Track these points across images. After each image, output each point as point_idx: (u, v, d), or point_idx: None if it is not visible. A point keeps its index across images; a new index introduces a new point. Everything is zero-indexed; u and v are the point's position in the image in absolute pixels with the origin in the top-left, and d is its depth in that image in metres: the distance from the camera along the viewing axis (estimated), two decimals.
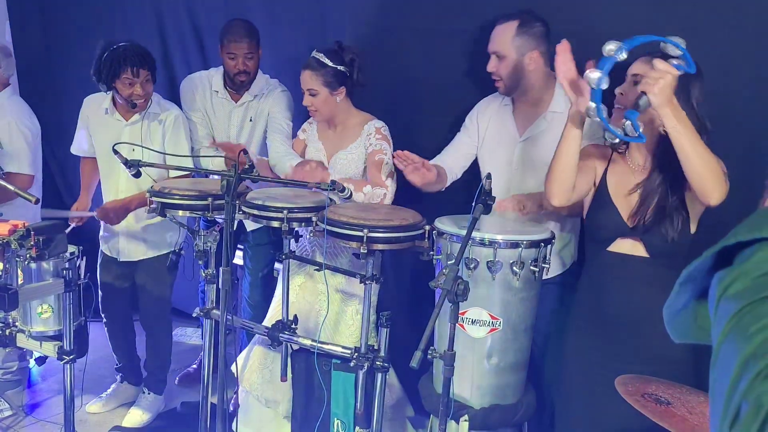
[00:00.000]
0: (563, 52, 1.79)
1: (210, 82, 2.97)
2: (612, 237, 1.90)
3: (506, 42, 2.19)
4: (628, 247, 1.89)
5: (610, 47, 1.59)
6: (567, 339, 2.07)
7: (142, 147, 2.59)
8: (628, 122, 1.62)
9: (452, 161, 2.48)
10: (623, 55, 1.59)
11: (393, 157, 2.25)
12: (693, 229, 1.85)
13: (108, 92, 2.76)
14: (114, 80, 2.67)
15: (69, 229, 2.78)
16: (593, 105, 1.64)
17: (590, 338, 1.97)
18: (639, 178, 1.89)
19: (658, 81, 1.56)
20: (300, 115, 2.84)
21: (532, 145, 2.29)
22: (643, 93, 1.60)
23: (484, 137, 2.43)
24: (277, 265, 3.15)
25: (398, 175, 2.42)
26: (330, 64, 2.41)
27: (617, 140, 1.70)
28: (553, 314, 2.29)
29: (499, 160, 2.35)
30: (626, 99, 1.85)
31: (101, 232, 2.98)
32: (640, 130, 1.62)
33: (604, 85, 1.61)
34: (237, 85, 2.90)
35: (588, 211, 2.00)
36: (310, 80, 2.42)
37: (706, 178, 1.63)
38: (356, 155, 2.48)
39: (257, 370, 2.57)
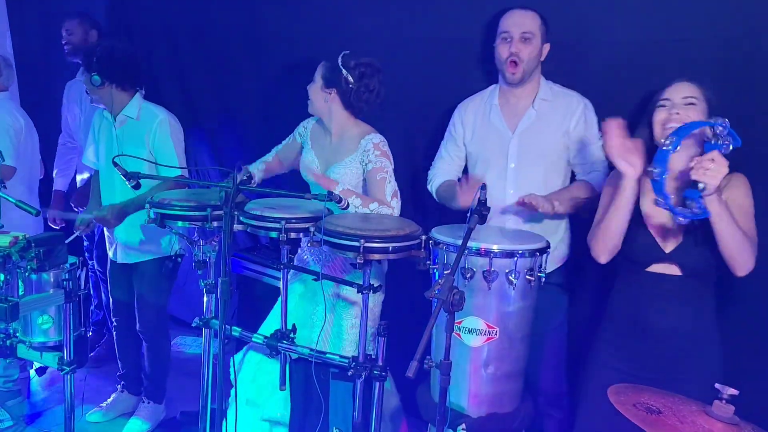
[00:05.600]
0: (611, 129, 1.87)
1: None
2: (648, 262, 1.94)
3: (535, 25, 2.27)
4: (662, 267, 1.93)
5: (666, 142, 1.78)
6: (596, 350, 2.09)
7: (137, 158, 2.59)
8: (694, 202, 1.75)
9: (452, 172, 2.52)
10: (678, 148, 1.76)
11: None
12: None
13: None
14: None
15: (72, 238, 2.81)
16: (660, 197, 1.79)
17: (620, 349, 2.01)
18: None
19: (716, 175, 1.69)
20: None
21: (527, 139, 2.33)
22: (696, 180, 1.72)
23: (472, 141, 2.46)
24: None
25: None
26: (338, 63, 2.37)
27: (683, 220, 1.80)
28: (548, 316, 2.34)
29: (494, 160, 2.38)
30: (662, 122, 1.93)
31: (106, 239, 3.01)
32: (704, 206, 1.75)
33: (665, 176, 1.77)
34: None
35: (624, 236, 2.00)
36: (318, 68, 2.46)
37: (737, 258, 1.80)
38: (351, 169, 2.41)
39: (246, 372, 2.58)
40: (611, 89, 2.31)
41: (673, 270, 1.92)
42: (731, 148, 1.73)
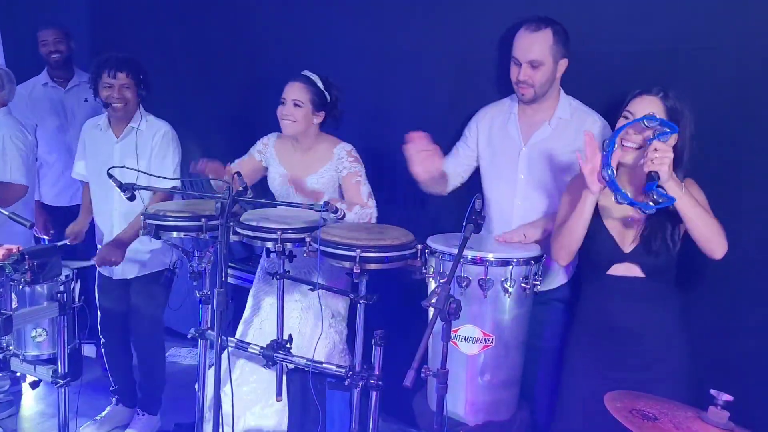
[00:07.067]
0: (593, 142, 1.90)
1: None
2: (609, 263, 1.98)
3: (545, 49, 2.21)
4: (623, 269, 1.97)
5: (603, 145, 1.85)
6: (568, 355, 2.13)
7: (133, 170, 2.59)
8: (653, 192, 1.80)
9: (452, 171, 2.50)
10: (610, 148, 1.83)
11: (405, 143, 2.24)
12: (678, 246, 1.95)
13: (96, 99, 2.85)
14: (98, 85, 2.77)
15: (62, 243, 2.80)
16: (619, 195, 1.83)
17: (592, 353, 2.04)
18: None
19: (664, 161, 1.75)
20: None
21: (537, 151, 2.32)
22: (651, 171, 1.77)
23: (486, 147, 2.45)
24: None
25: (390, 192, 2.46)
26: (320, 86, 2.49)
27: (654, 210, 1.82)
28: (551, 331, 2.35)
29: (504, 170, 2.37)
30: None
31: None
32: (664, 194, 1.79)
33: (614, 175, 1.84)
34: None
35: (584, 240, 2.03)
36: (299, 92, 2.47)
37: (710, 239, 1.83)
38: (327, 178, 2.51)
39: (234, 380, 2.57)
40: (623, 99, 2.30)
41: (634, 271, 1.96)
42: (671, 135, 1.79)
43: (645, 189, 1.82)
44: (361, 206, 2.42)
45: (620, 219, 1.98)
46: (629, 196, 1.84)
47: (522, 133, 2.36)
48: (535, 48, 2.21)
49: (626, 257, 1.95)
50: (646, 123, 1.81)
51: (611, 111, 2.12)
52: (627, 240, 1.96)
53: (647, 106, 1.88)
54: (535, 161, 2.32)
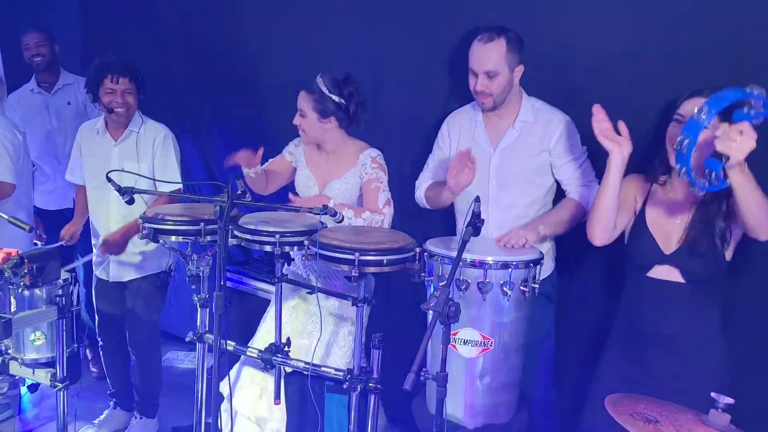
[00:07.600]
0: (599, 113, 1.92)
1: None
2: (649, 264, 1.97)
3: (500, 60, 2.23)
4: (664, 272, 1.95)
5: (699, 115, 1.61)
6: (602, 355, 2.13)
7: (134, 173, 2.60)
8: (714, 173, 1.63)
9: (438, 179, 2.51)
10: (711, 121, 1.61)
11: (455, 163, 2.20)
12: (729, 256, 1.91)
13: (95, 104, 2.86)
14: (98, 89, 2.77)
15: (57, 245, 2.82)
16: (683, 168, 1.67)
17: (624, 356, 2.04)
18: (678, 208, 1.95)
19: (743, 148, 1.56)
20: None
21: (507, 156, 2.34)
22: (723, 153, 1.59)
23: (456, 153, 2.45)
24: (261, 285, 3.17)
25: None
26: (325, 91, 2.41)
27: (704, 191, 1.72)
28: (536, 326, 2.31)
29: (477, 177, 2.32)
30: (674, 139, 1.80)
31: (94, 258, 2.99)
32: (723, 178, 1.64)
33: (692, 149, 1.64)
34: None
35: (628, 239, 2.05)
36: (302, 101, 2.45)
37: (762, 223, 1.73)
38: (351, 184, 2.47)
39: (247, 387, 2.57)
40: (594, 99, 2.31)
41: (674, 276, 1.93)
42: (762, 119, 1.58)
43: (706, 164, 1.64)
44: (371, 212, 2.37)
45: (665, 225, 1.95)
46: (693, 173, 1.67)
47: (490, 139, 2.37)
48: (490, 59, 2.23)
49: (666, 259, 1.93)
50: (753, 101, 1.57)
51: (611, 113, 2.13)
52: (671, 241, 1.94)
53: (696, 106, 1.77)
54: (505, 166, 2.34)
